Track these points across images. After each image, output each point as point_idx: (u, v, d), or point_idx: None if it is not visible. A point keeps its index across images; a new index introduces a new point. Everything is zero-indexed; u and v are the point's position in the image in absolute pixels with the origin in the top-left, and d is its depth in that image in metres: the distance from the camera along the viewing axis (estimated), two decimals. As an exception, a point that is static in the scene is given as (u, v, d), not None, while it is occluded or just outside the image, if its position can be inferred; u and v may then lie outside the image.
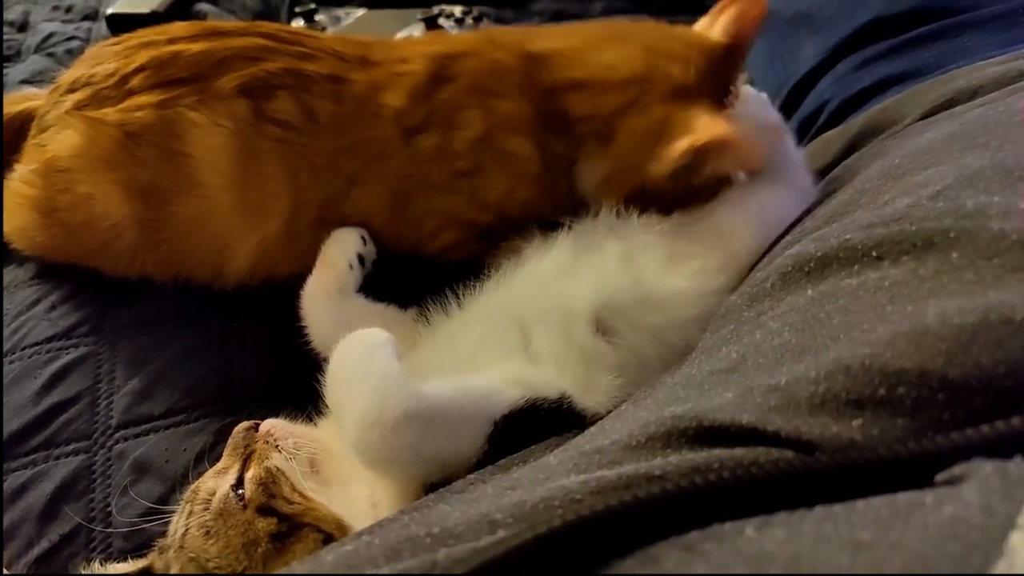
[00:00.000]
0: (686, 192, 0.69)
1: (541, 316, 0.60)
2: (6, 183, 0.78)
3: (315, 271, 0.72)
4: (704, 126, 0.65)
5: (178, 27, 0.77)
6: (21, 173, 0.75)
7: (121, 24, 1.15)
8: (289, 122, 0.72)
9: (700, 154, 0.65)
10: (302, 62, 0.73)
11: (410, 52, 0.75)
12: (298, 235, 0.75)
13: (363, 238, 0.75)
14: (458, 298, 0.66)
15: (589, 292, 0.60)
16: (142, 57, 0.73)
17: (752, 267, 0.61)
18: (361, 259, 0.74)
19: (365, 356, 0.52)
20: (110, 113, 0.71)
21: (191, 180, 0.71)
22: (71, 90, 0.75)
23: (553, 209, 0.74)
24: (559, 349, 0.58)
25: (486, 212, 0.75)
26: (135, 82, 0.72)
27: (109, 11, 1.19)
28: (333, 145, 0.72)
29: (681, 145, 0.65)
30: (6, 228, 0.79)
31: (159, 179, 0.72)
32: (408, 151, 0.72)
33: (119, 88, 0.72)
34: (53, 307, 0.78)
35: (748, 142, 0.65)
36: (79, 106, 0.73)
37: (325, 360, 0.55)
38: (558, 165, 0.74)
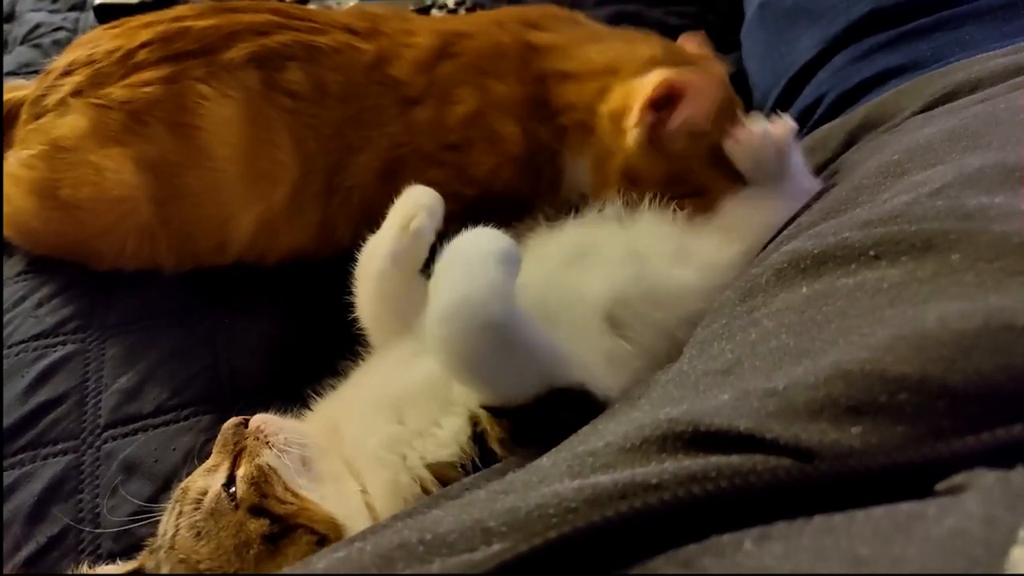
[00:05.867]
0: (677, 171, 0.69)
1: (561, 309, 0.58)
2: None
3: (395, 232, 0.63)
4: (650, 80, 0.66)
5: (181, 9, 0.77)
6: (19, 157, 0.74)
7: (110, 14, 1.13)
8: (299, 92, 0.73)
9: (657, 106, 0.66)
10: (312, 35, 0.74)
11: (419, 26, 0.78)
12: (302, 205, 0.75)
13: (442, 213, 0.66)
14: None
15: (599, 288, 0.59)
16: (147, 34, 0.73)
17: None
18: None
19: (492, 256, 0.50)
20: (115, 91, 0.71)
21: (201, 152, 0.72)
22: (67, 72, 0.74)
23: (534, 192, 0.77)
24: (586, 345, 0.57)
25: (471, 186, 0.76)
26: (141, 56, 0.72)
27: (97, 1, 1.17)
28: (341, 115, 0.74)
29: (634, 109, 0.67)
30: None
31: (168, 153, 0.72)
32: (403, 120, 0.74)
33: (123, 64, 0.72)
34: (40, 304, 0.77)
35: (697, 77, 0.65)
36: (78, 88, 0.72)
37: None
38: (543, 152, 0.76)
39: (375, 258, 0.62)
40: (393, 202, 0.70)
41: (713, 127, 0.68)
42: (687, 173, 0.70)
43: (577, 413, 0.50)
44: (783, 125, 0.67)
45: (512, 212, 0.71)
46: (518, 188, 0.77)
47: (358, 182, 0.76)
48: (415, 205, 0.63)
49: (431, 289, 0.50)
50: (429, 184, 0.73)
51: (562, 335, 0.56)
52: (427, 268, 0.59)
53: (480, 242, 0.51)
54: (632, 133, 0.68)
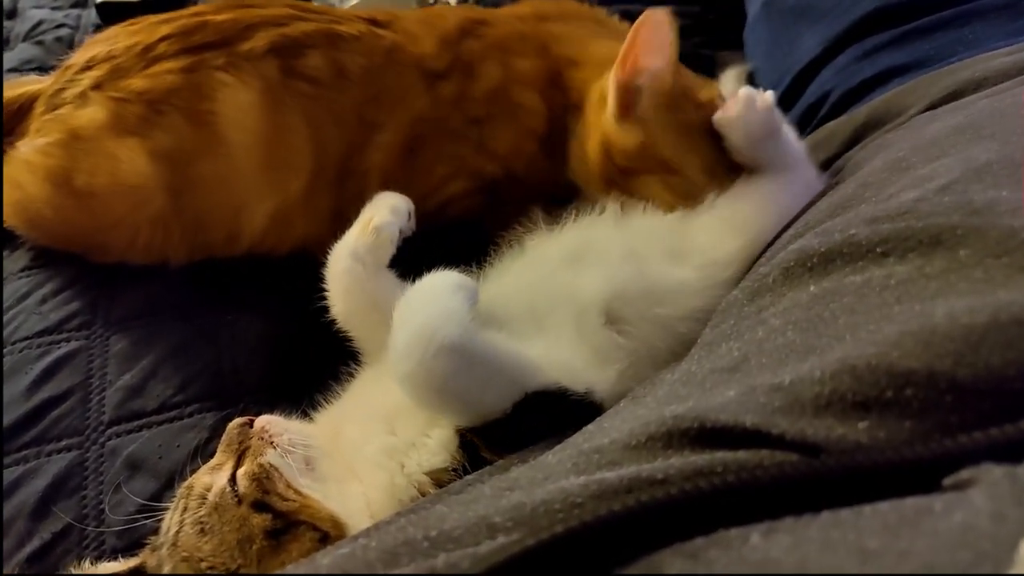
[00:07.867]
0: (650, 145, 0.69)
1: (553, 307, 0.60)
2: (13, 156, 0.76)
3: (356, 232, 0.66)
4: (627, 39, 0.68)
5: (199, 6, 0.78)
6: (35, 144, 0.74)
7: (112, 12, 1.13)
8: (318, 78, 0.74)
9: (627, 71, 0.68)
10: (332, 24, 0.75)
11: (445, 8, 0.82)
12: (317, 194, 0.76)
13: (410, 212, 0.69)
14: None
15: (598, 283, 0.60)
16: (166, 28, 0.74)
17: (756, 259, 0.60)
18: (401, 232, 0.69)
19: (445, 289, 0.53)
20: (134, 82, 0.72)
21: (218, 140, 0.72)
22: (87, 68, 0.75)
23: (556, 177, 0.77)
24: (573, 340, 0.58)
25: (493, 162, 0.78)
26: (160, 49, 0.73)
27: (99, -2, 1.17)
28: (361, 95, 0.75)
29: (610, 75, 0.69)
30: (9, 201, 0.78)
31: (184, 142, 0.72)
32: (429, 96, 0.76)
33: (142, 57, 0.73)
34: (44, 300, 0.77)
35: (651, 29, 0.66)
36: (98, 82, 0.73)
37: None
38: (563, 130, 0.77)
39: (341, 258, 0.65)
40: (411, 182, 0.74)
41: (676, 99, 0.69)
42: (659, 147, 0.70)
43: (557, 412, 0.51)
44: (765, 94, 0.68)
45: (531, 203, 0.72)
46: (541, 170, 0.78)
47: (376, 164, 0.77)
48: (378, 205, 0.67)
49: (391, 333, 0.52)
50: (450, 158, 0.78)
51: (549, 335, 0.58)
52: (402, 269, 0.62)
53: (433, 280, 0.55)
54: (609, 97, 0.70)
